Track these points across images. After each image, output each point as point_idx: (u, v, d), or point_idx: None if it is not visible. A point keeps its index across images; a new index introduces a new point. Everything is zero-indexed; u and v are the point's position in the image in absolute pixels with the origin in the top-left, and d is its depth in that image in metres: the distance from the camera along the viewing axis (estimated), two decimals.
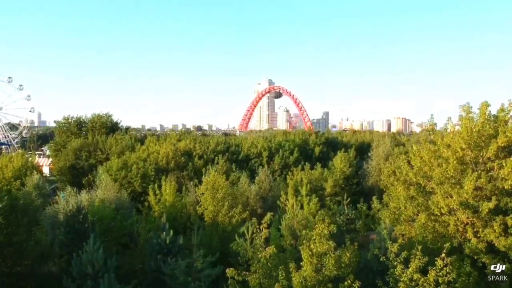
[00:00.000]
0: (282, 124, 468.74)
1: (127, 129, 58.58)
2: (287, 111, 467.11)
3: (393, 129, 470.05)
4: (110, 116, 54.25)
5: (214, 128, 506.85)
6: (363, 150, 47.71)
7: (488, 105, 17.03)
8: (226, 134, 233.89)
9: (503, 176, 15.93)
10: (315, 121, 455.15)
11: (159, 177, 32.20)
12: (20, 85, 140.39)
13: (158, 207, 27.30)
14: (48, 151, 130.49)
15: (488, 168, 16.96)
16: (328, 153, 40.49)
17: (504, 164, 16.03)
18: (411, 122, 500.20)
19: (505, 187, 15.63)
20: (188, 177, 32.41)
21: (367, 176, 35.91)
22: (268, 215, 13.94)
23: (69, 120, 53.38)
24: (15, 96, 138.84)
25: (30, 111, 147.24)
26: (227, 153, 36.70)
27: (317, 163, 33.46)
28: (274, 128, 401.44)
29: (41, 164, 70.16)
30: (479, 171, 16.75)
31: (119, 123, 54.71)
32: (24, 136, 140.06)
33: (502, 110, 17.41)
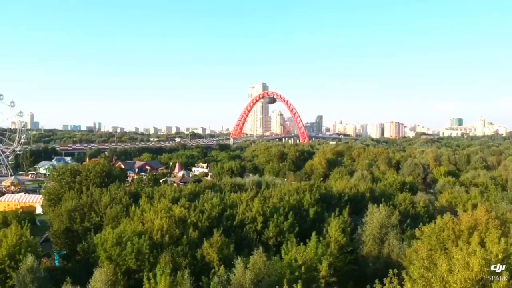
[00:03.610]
0: (276, 128, 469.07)
1: (122, 179, 58.62)
2: (281, 115, 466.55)
3: (386, 133, 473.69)
4: (104, 163, 54.39)
5: (208, 131, 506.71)
6: (357, 201, 48.12)
7: (482, 263, 17.26)
8: (220, 146, 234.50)
9: None
10: (308, 124, 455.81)
11: (153, 254, 32.28)
12: (12, 102, 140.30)
13: None
14: (41, 168, 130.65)
15: None
16: (322, 213, 40.78)
17: None
18: (404, 126, 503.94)
19: None
20: (183, 253, 32.43)
21: (361, 244, 36.19)
22: None
23: (63, 170, 53.18)
24: (7, 113, 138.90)
25: (22, 127, 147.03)
26: (222, 221, 36.78)
27: (312, 233, 33.65)
28: (266, 133, 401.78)
29: (34, 201, 69.88)
30: None
31: (113, 169, 55.00)
32: (18, 152, 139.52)
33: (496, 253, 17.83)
